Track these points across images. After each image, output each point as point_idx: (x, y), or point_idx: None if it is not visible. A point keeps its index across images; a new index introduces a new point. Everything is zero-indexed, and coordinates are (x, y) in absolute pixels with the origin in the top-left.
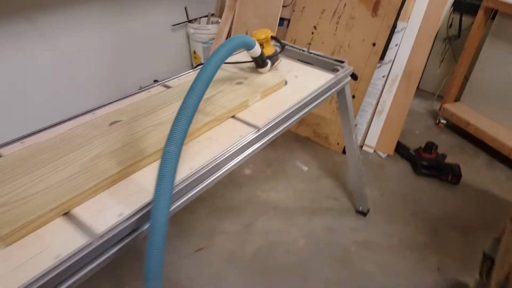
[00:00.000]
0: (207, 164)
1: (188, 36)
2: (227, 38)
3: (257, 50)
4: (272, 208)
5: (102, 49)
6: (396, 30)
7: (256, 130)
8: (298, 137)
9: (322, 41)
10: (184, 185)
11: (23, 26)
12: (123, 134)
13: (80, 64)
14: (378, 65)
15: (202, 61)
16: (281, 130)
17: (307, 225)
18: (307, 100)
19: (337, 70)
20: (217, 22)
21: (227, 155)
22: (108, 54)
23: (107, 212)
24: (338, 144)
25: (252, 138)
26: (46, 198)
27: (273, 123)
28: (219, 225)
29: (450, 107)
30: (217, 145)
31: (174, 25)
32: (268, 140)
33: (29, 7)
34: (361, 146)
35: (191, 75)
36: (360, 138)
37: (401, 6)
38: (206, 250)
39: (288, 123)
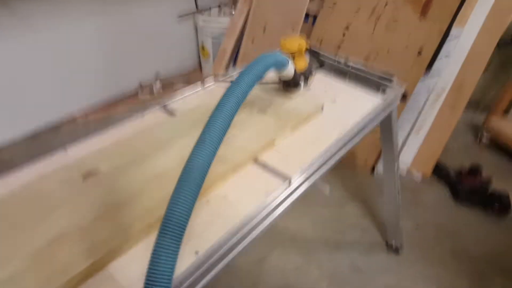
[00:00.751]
0: (218, 246)
1: (196, 28)
2: (241, 32)
3: (290, 71)
4: (288, 239)
5: (95, 41)
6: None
7: (286, 182)
8: None
9: (355, 43)
10: (184, 285)
11: None
12: (102, 194)
13: (69, 58)
14: (422, 77)
15: (210, 56)
16: (315, 179)
17: (330, 262)
18: (349, 136)
19: (384, 88)
20: (231, 14)
21: (248, 227)
22: (103, 46)
23: None
24: (366, 162)
25: (282, 197)
26: None
27: (306, 173)
28: None
29: (496, 122)
30: (234, 210)
31: (180, 16)
32: (300, 195)
33: None
34: None
35: (200, 94)
36: None
37: (458, 7)
38: None
39: (324, 168)
